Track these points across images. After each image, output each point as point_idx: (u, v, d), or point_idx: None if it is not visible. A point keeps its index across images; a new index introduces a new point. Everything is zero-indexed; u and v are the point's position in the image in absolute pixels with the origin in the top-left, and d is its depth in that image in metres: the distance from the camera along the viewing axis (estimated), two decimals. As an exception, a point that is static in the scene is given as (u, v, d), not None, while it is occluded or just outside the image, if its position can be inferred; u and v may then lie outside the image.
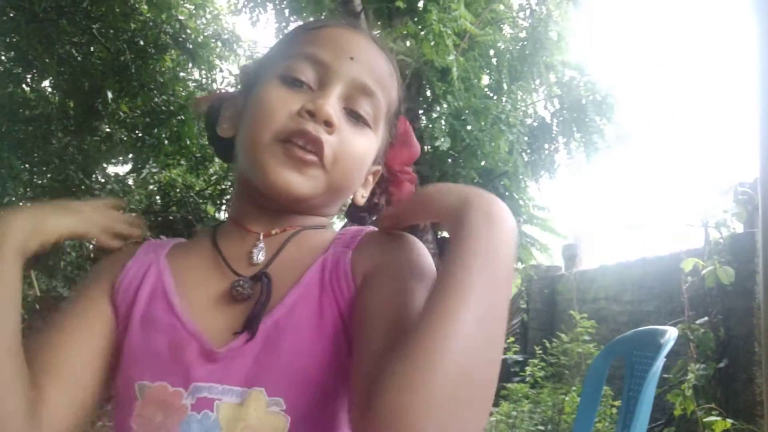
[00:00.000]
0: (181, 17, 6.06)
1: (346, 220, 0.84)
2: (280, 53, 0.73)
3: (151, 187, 7.87)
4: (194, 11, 6.62)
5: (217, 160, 6.33)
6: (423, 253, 0.68)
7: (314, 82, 0.68)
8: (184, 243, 0.78)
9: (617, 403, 4.29)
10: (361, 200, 0.78)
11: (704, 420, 3.35)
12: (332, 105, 0.66)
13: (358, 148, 0.70)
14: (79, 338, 0.67)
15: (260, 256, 0.69)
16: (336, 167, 0.68)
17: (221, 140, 0.76)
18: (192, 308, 0.66)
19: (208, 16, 6.87)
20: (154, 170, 7.27)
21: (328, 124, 0.65)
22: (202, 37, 6.21)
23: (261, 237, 0.71)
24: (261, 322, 0.62)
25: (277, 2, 4.63)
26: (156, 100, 6.03)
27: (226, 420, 0.59)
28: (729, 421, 3.24)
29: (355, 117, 0.70)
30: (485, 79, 4.10)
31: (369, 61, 0.71)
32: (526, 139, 3.81)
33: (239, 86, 0.79)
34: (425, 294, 0.58)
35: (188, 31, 5.98)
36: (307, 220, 0.74)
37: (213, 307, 0.66)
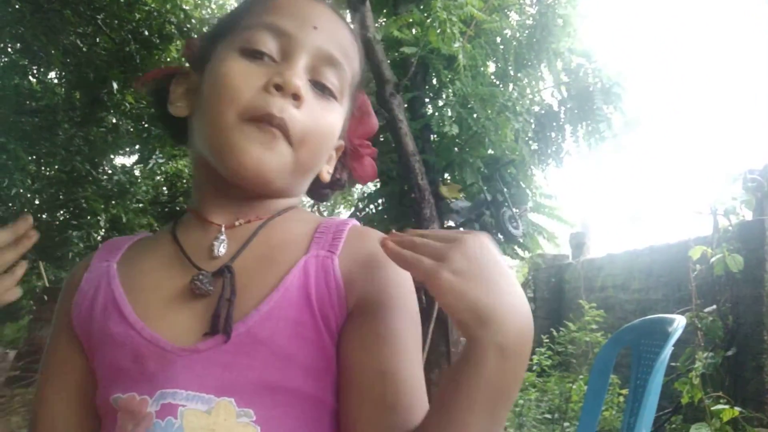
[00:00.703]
0: (185, 7, 6.04)
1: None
2: (236, 24, 0.67)
3: (158, 177, 7.91)
4: (199, 1, 6.60)
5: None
6: (411, 287, 0.65)
7: (276, 53, 0.64)
8: (145, 238, 0.74)
9: (624, 391, 4.29)
10: (327, 177, 0.74)
11: (712, 408, 3.34)
12: (300, 77, 0.62)
13: (326, 123, 0.66)
14: (61, 397, 0.67)
15: (221, 249, 0.64)
16: (303, 144, 0.64)
17: (173, 120, 0.71)
18: (149, 311, 0.62)
19: (213, 6, 6.85)
20: (160, 161, 7.29)
21: (296, 98, 0.62)
22: (207, 27, 6.18)
23: (222, 229, 0.66)
24: (233, 327, 0.58)
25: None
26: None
27: (191, 428, 0.56)
28: (737, 409, 3.23)
29: (320, 89, 0.66)
30: (492, 67, 4.07)
31: (332, 31, 0.67)
32: (533, 126, 3.78)
33: (188, 61, 0.73)
34: (413, 348, 0.60)
35: (193, 21, 5.96)
36: (273, 205, 0.69)
37: (172, 305, 0.62)
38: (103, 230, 6.46)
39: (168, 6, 5.80)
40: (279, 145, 0.62)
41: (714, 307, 4.14)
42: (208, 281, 0.61)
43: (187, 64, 0.74)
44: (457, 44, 3.22)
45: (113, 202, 6.23)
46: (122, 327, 0.62)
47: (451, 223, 3.70)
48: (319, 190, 0.78)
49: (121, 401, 0.60)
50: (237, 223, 0.67)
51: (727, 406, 3.26)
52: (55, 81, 6.41)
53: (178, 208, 7.98)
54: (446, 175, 3.87)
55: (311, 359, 0.60)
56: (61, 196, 5.96)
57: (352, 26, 0.73)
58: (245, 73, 0.62)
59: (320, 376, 0.60)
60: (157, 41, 5.82)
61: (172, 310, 0.62)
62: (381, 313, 0.60)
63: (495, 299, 0.52)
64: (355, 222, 0.68)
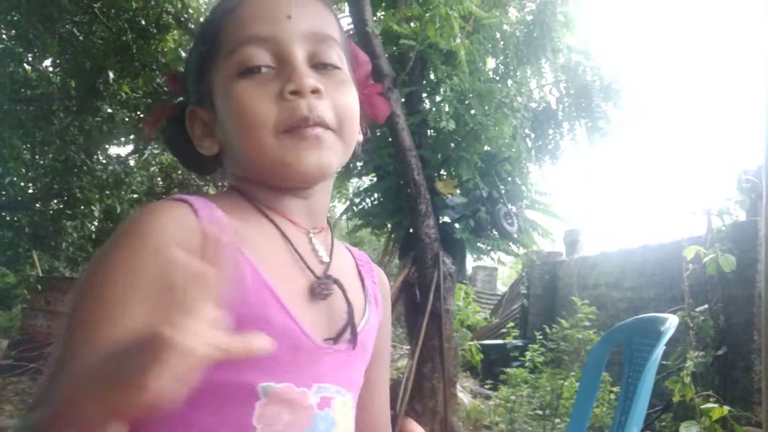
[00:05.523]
0: (182, -3, 5.99)
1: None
2: (219, 49, 0.67)
3: (153, 168, 7.85)
4: (196, -9, 6.55)
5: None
6: None
7: (271, 60, 0.65)
8: (238, 222, 0.62)
9: (616, 389, 4.31)
10: (360, 138, 0.76)
11: (702, 407, 3.37)
12: (306, 74, 0.65)
13: (347, 96, 0.68)
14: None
15: (325, 255, 0.70)
16: (343, 125, 0.67)
17: (195, 158, 0.72)
18: (292, 305, 0.63)
19: (210, -4, 6.79)
20: (155, 151, 7.24)
21: (315, 91, 0.64)
22: (204, 16, 6.14)
23: (312, 234, 0.70)
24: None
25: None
26: (158, 80, 5.99)
27: (340, 419, 0.66)
28: (726, 408, 3.26)
29: (324, 67, 0.68)
30: (490, 63, 4.06)
31: (304, 9, 0.68)
32: (530, 123, 3.78)
33: (177, 95, 0.74)
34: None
35: (190, 10, 5.92)
36: (324, 203, 0.74)
37: (303, 304, 0.65)
38: (97, 220, 6.43)
39: (165, -5, 5.76)
40: (326, 140, 0.65)
41: (706, 306, 4.17)
42: (327, 287, 0.67)
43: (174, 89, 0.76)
44: (456, 40, 3.21)
45: (108, 192, 6.20)
46: (282, 317, 0.62)
47: (447, 219, 3.70)
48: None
49: (273, 391, 0.60)
50: (313, 231, 0.71)
51: (716, 405, 3.29)
52: (51, 69, 6.36)
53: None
54: (442, 171, 3.87)
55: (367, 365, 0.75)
56: (55, 186, 5.92)
57: None
58: (257, 94, 0.64)
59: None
60: (154, 31, 5.78)
61: (303, 308, 0.65)
62: (387, 337, 0.82)
63: None
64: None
